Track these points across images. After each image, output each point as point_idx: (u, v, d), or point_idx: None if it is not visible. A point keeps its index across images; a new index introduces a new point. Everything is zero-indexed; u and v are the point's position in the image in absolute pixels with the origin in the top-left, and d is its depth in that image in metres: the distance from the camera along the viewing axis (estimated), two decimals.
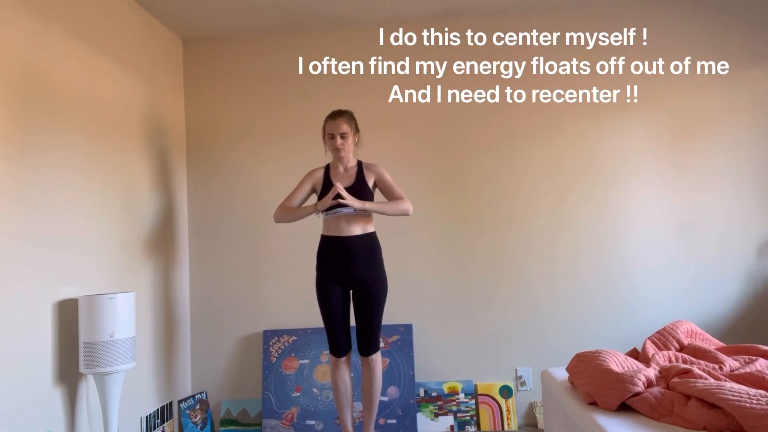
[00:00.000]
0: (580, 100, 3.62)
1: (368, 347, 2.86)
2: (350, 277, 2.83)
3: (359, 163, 2.95)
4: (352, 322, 2.93)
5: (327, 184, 2.88)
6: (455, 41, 3.70)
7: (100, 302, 2.48)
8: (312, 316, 3.46)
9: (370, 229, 2.88)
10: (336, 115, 2.87)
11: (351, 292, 2.90)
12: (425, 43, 3.72)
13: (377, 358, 2.90)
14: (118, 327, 2.51)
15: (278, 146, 3.76)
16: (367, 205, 2.78)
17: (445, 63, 3.70)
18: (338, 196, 2.73)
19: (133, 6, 3.25)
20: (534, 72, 3.65)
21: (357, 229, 2.82)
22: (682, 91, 3.58)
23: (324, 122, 2.91)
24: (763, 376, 1.87)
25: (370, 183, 2.91)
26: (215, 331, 3.72)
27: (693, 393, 1.78)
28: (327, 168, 2.96)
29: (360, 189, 2.84)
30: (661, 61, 3.59)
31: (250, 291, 3.71)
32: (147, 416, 3.12)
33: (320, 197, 2.88)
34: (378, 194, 3.00)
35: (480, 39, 3.69)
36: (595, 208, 3.59)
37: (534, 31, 3.66)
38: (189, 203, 3.79)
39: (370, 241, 2.87)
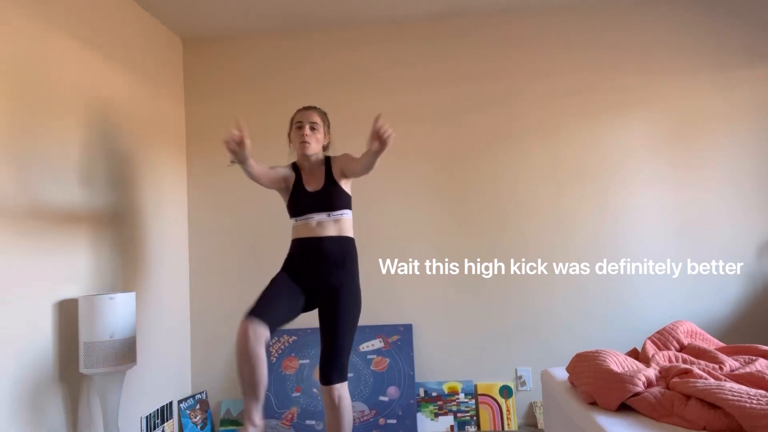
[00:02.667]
0: (580, 99, 3.62)
1: (331, 372, 2.36)
2: (318, 282, 2.46)
3: (327, 160, 2.61)
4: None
5: (297, 188, 2.57)
6: (455, 41, 3.71)
7: (100, 302, 2.48)
8: (312, 316, 3.46)
9: (347, 233, 2.55)
10: (308, 107, 2.60)
11: (318, 307, 2.52)
12: (425, 42, 3.72)
13: (344, 392, 2.38)
14: (118, 327, 2.51)
15: (278, 146, 3.76)
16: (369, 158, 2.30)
17: (444, 62, 3.71)
18: (320, 201, 2.48)
19: (133, 6, 3.25)
20: (533, 71, 3.66)
21: (331, 231, 2.48)
22: (682, 90, 3.59)
23: (293, 115, 2.62)
24: (763, 376, 1.87)
25: (337, 175, 2.55)
26: (215, 331, 3.72)
27: (693, 393, 1.78)
28: (295, 168, 2.63)
29: (332, 193, 2.52)
30: (661, 61, 3.60)
31: (250, 291, 3.71)
32: (147, 416, 3.12)
33: (289, 202, 2.57)
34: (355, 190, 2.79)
35: (480, 38, 3.70)
36: (595, 208, 3.59)
37: (534, 30, 3.67)
38: (189, 203, 3.79)
39: (345, 245, 2.52)
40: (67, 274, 2.56)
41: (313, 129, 2.54)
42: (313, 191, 2.53)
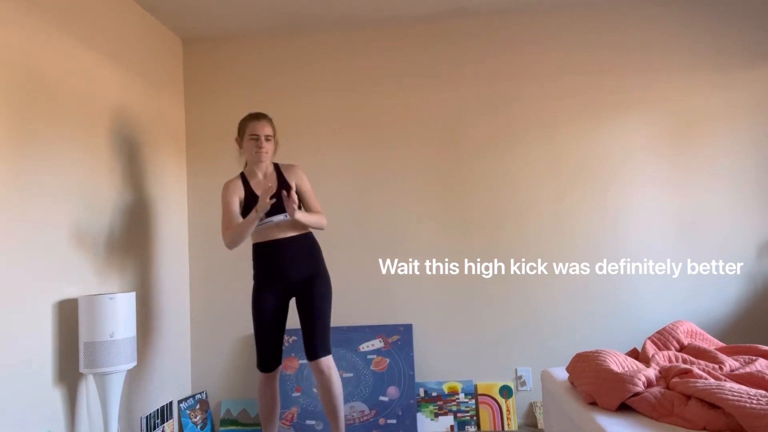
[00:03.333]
0: (580, 100, 3.62)
1: (316, 348, 2.62)
2: (291, 279, 2.68)
3: (276, 167, 2.80)
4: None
5: (249, 196, 2.71)
6: (455, 41, 3.71)
7: (100, 302, 2.48)
8: None
9: (306, 229, 2.75)
10: (260, 116, 2.71)
11: (293, 298, 2.76)
12: (425, 42, 3.72)
13: (330, 362, 2.65)
14: (118, 327, 2.51)
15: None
16: (299, 215, 2.60)
17: (445, 62, 3.71)
18: (279, 202, 2.64)
19: (133, 6, 3.25)
20: (534, 71, 3.66)
21: (292, 231, 2.68)
22: (682, 90, 3.59)
23: (243, 123, 2.73)
24: (763, 376, 1.87)
25: (293, 186, 2.76)
26: (215, 331, 3.72)
27: (693, 393, 1.78)
28: (243, 178, 2.76)
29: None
30: (661, 61, 3.60)
31: (250, 291, 3.70)
32: (147, 416, 3.12)
33: (244, 211, 2.71)
34: None
35: (479, 39, 3.70)
36: (595, 208, 3.59)
37: (533, 31, 3.67)
38: (189, 203, 3.79)
39: (307, 240, 2.74)
40: (67, 274, 2.56)
41: (267, 140, 2.70)
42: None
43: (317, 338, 2.63)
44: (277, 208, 2.65)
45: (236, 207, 2.70)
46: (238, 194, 2.71)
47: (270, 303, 2.69)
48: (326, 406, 2.68)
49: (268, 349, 2.70)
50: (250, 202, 2.70)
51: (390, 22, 3.71)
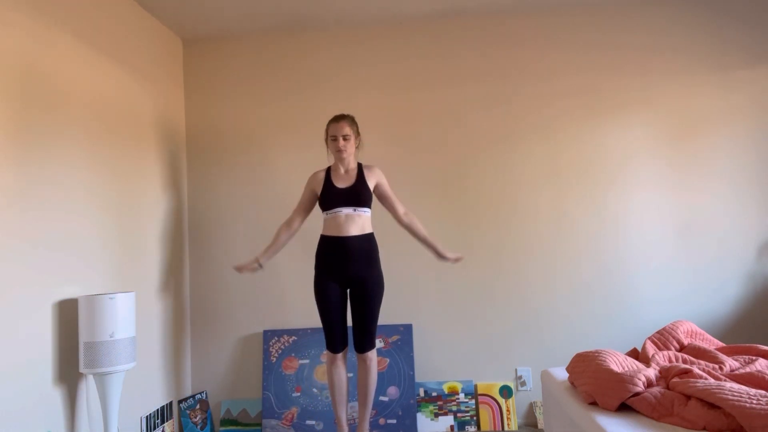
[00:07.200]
0: (580, 100, 3.62)
1: (364, 345, 2.93)
2: (348, 275, 2.90)
3: (359, 165, 3.03)
4: (349, 321, 2.99)
5: (327, 185, 2.96)
6: (455, 40, 3.71)
7: (100, 302, 2.48)
8: (312, 316, 3.46)
9: (368, 229, 2.95)
10: (339, 118, 2.97)
11: (348, 291, 2.96)
12: (425, 42, 3.72)
13: (373, 355, 2.96)
14: (118, 327, 2.51)
15: (278, 146, 3.77)
16: (439, 249, 3.06)
17: (445, 62, 3.71)
18: (350, 196, 2.93)
19: (133, 6, 3.25)
20: (534, 72, 3.66)
21: (355, 230, 2.89)
22: (682, 91, 3.59)
23: (327, 125, 3.00)
24: (763, 376, 1.87)
25: (371, 185, 2.99)
26: (215, 331, 3.72)
27: (693, 393, 1.78)
28: (328, 170, 3.04)
29: (360, 191, 2.93)
30: (661, 61, 3.60)
31: (250, 291, 3.71)
32: (147, 416, 3.12)
33: (320, 198, 2.98)
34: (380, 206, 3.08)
35: (480, 38, 3.70)
36: (595, 208, 3.59)
37: (534, 31, 3.67)
38: (189, 203, 3.79)
39: (367, 242, 2.94)
40: (67, 274, 2.56)
41: (345, 139, 2.93)
42: (343, 188, 2.93)
43: (366, 337, 2.92)
44: (347, 201, 2.89)
45: (307, 197, 3.03)
46: (315, 187, 3.00)
47: (331, 290, 2.91)
48: (360, 391, 2.98)
49: (334, 332, 2.94)
50: (326, 192, 2.95)
51: (390, 22, 3.71)
